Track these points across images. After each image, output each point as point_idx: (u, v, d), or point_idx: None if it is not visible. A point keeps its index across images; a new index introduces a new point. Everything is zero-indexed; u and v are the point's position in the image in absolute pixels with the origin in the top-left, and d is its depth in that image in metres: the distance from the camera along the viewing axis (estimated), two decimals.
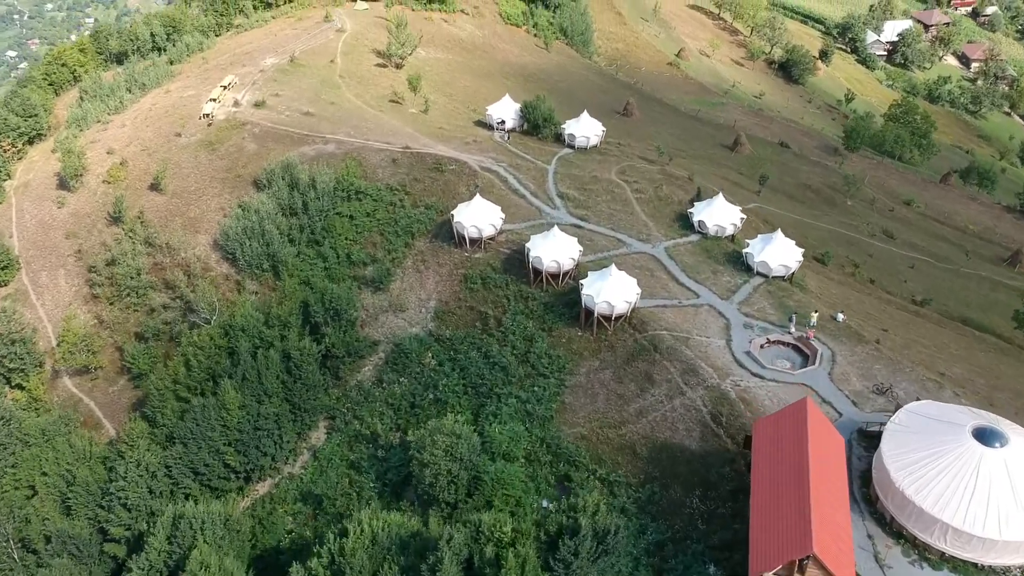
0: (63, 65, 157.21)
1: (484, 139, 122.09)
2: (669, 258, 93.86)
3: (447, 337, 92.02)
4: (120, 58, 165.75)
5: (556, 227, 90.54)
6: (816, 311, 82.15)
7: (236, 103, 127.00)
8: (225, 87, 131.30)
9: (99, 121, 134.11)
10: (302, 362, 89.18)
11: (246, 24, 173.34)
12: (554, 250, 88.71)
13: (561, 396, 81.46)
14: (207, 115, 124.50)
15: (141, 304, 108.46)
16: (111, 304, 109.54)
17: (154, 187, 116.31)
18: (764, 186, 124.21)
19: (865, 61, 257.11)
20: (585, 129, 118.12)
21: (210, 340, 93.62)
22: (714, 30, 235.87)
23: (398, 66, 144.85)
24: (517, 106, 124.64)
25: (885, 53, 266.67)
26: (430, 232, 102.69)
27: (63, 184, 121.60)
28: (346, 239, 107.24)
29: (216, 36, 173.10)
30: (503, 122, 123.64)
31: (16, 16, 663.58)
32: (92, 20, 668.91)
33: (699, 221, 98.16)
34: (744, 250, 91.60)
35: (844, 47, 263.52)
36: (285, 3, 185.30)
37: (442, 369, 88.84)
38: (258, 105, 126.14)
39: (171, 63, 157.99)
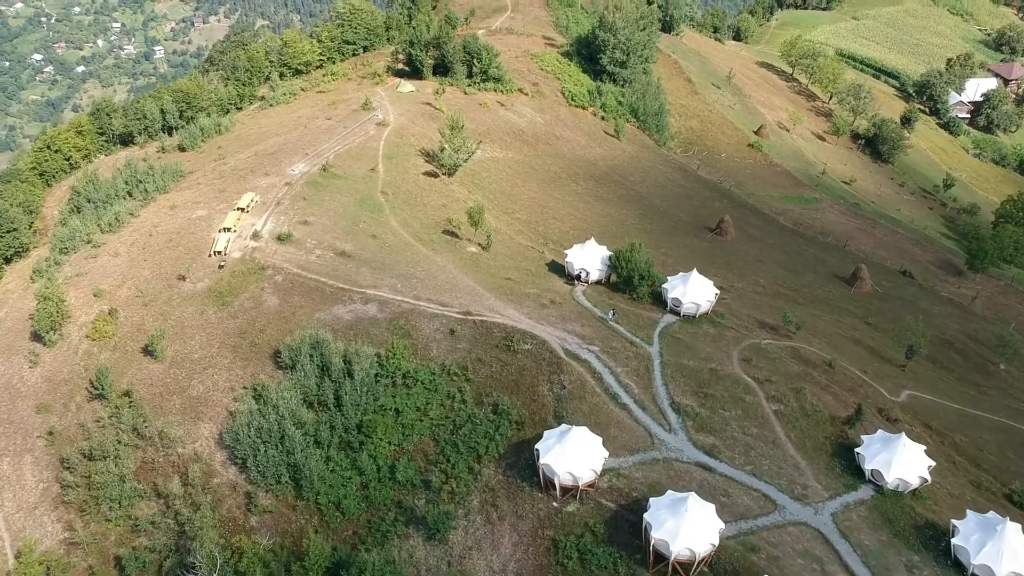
0: (56, 151, 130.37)
1: (563, 294, 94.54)
2: (841, 536, 66.06)
3: None
4: (125, 139, 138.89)
5: (692, 497, 62.98)
6: None
7: (255, 235, 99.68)
8: (243, 209, 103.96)
9: (89, 242, 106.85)
10: None
11: (271, 98, 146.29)
12: (688, 531, 61.40)
13: None
14: (219, 252, 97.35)
15: (123, 518, 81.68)
16: (85, 514, 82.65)
17: (149, 351, 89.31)
18: (911, 359, 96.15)
19: (948, 125, 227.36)
20: (694, 294, 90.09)
21: None
22: (789, 95, 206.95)
23: (450, 173, 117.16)
24: (604, 253, 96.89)
25: (968, 115, 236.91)
26: (503, 456, 75.21)
27: (38, 336, 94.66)
28: (390, 444, 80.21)
29: (238, 110, 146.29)
30: (587, 274, 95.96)
31: (43, 19, 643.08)
32: (119, 25, 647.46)
33: (873, 470, 70.23)
34: (953, 541, 63.70)
35: (923, 107, 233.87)
36: (316, 68, 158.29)
37: None
38: (282, 239, 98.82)
39: (182, 149, 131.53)
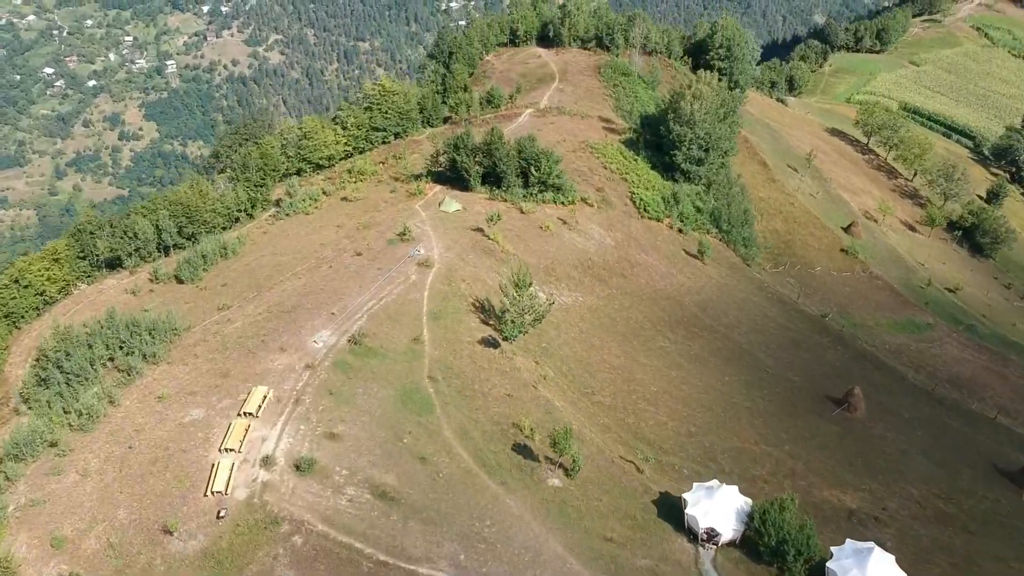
0: (26, 287, 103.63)
1: (687, 568, 67.39)
2: None
3: None
4: (113, 263, 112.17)
5: None
6: None
7: (267, 460, 72.83)
8: (252, 414, 77.01)
9: (53, 445, 79.79)
10: None
11: (288, 205, 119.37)
12: None
13: None
14: (218, 492, 70.34)
15: None
16: None
17: None
18: None
19: None
20: None
21: None
22: (867, 170, 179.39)
23: (512, 339, 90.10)
24: (738, 502, 69.89)
25: None
26: None
27: None
28: None
29: (249, 216, 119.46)
30: (715, 535, 68.83)
31: (55, 32, 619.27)
32: (131, 38, 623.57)
33: None
34: None
35: (1003, 172, 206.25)
36: (341, 159, 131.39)
37: None
38: (302, 468, 72.01)
39: (179, 280, 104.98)
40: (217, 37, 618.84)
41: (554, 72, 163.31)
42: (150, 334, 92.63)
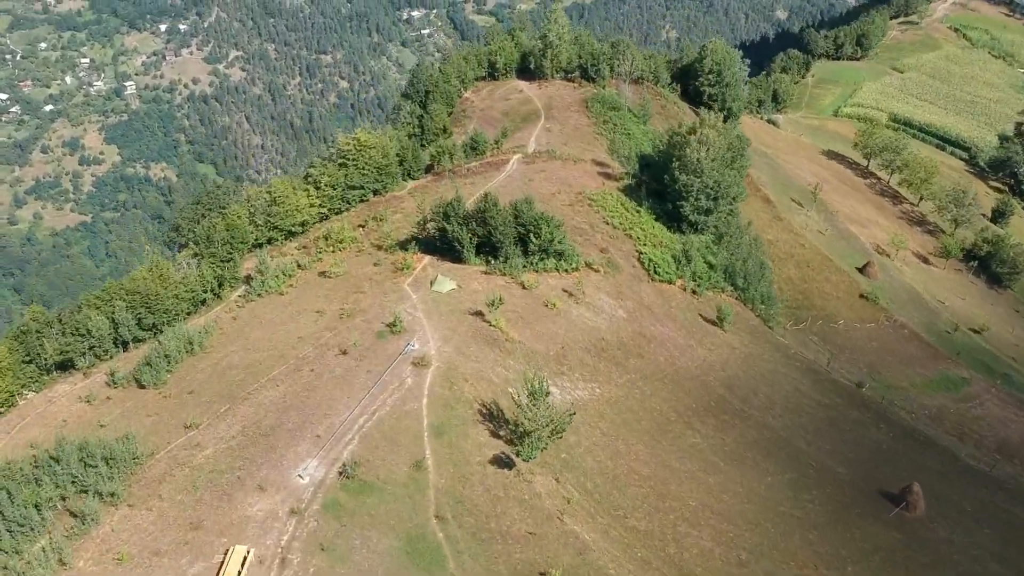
0: None
1: None
2: None
3: None
4: (64, 365, 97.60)
5: None
6: None
7: None
8: None
9: None
10: None
11: (259, 285, 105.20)
12: None
13: None
14: None
15: None
16: None
17: None
18: None
19: None
20: None
21: None
22: (870, 196, 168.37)
23: (526, 459, 76.93)
24: None
25: None
26: None
27: None
28: None
29: (215, 296, 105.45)
30: None
31: (8, 56, 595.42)
32: (87, 60, 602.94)
33: None
34: None
35: (1000, 185, 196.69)
36: (316, 222, 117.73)
37: None
38: None
39: (140, 385, 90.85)
40: (176, 56, 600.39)
41: (539, 108, 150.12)
42: (107, 464, 78.48)
